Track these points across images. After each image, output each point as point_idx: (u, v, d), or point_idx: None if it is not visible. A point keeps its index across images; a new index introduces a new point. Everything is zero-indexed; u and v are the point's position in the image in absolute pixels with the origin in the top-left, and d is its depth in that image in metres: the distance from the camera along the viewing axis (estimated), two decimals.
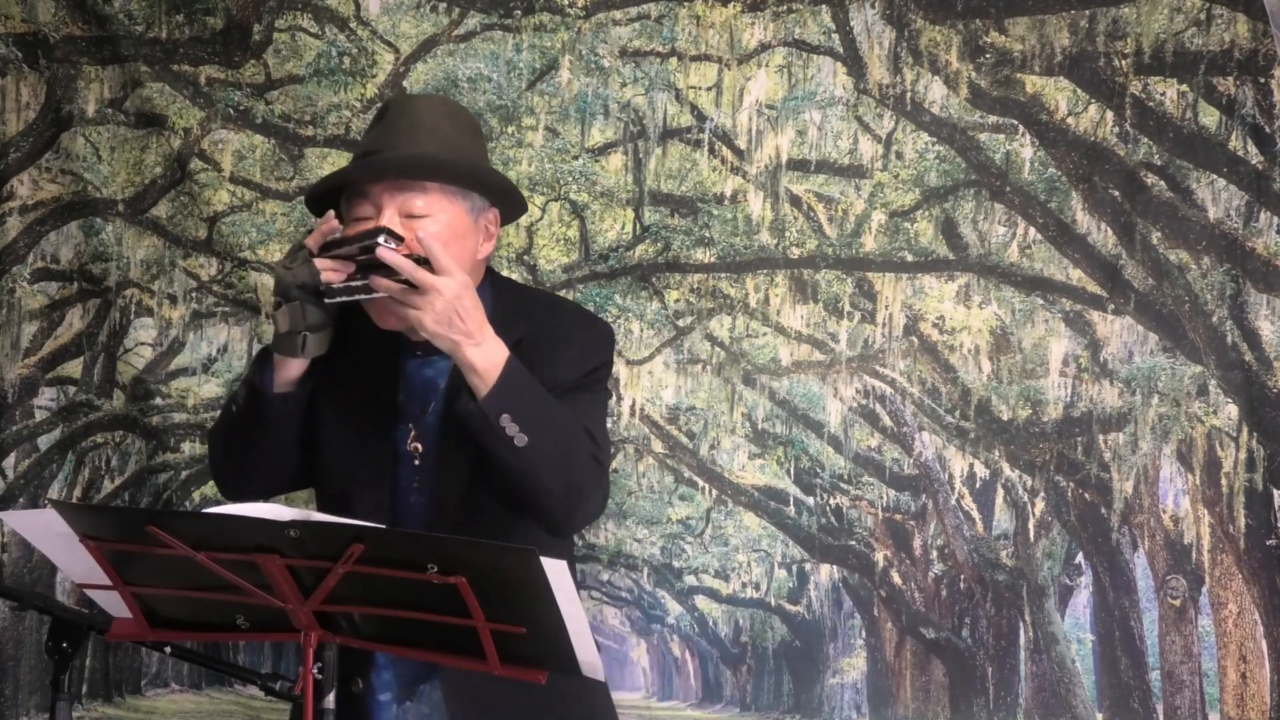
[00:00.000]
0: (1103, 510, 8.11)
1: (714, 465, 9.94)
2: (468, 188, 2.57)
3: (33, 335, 8.06)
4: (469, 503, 2.52)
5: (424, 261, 2.43)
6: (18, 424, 8.18)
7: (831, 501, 9.96)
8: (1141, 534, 8.25)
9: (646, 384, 8.93)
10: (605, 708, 2.65)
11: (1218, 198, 6.98)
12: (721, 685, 13.03)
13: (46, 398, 8.77)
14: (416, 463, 2.58)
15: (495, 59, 7.36)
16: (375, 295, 2.45)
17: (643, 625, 13.09)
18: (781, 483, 10.02)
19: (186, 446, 8.61)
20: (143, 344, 8.79)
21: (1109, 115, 6.84)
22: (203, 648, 2.50)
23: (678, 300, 8.14)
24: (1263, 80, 6.59)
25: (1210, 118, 6.86)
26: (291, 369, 2.56)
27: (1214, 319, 6.84)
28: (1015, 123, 7.03)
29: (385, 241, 2.45)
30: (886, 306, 7.80)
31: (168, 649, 2.40)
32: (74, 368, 8.48)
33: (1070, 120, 6.93)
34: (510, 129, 7.46)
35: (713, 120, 7.46)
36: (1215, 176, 6.86)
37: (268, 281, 7.83)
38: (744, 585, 11.54)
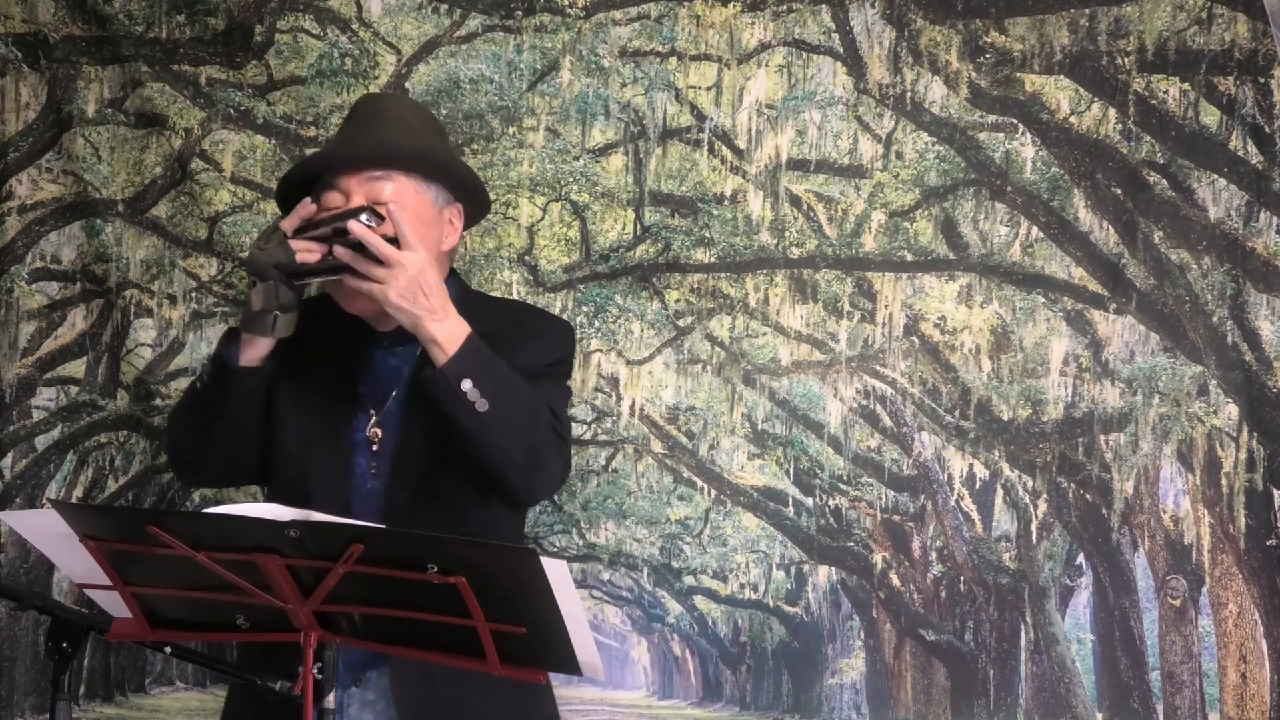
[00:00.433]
0: (1103, 510, 8.11)
1: (713, 465, 9.93)
2: (432, 177, 2.62)
3: (31, 335, 8.06)
4: (426, 485, 2.55)
5: (393, 242, 2.48)
6: (15, 424, 8.18)
7: (830, 502, 9.96)
8: (1142, 534, 8.25)
9: (646, 384, 8.93)
10: (548, 698, 2.67)
11: (1218, 197, 6.98)
12: (722, 684, 13.03)
13: (45, 398, 8.76)
14: (375, 448, 2.61)
15: (496, 60, 7.36)
16: (342, 271, 2.49)
17: (643, 624, 13.09)
18: (781, 483, 10.01)
19: None
20: (143, 344, 8.79)
21: (1111, 114, 6.84)
22: (204, 648, 2.50)
23: (678, 300, 8.14)
24: (1263, 80, 6.59)
25: (1211, 117, 6.86)
26: (258, 348, 2.59)
27: (1214, 319, 6.84)
28: (1015, 122, 7.03)
29: (367, 220, 2.48)
30: (886, 306, 7.80)
31: (168, 649, 2.40)
32: (75, 368, 8.48)
33: (1072, 119, 6.93)
34: (511, 130, 7.46)
35: (713, 120, 7.46)
36: (1216, 176, 6.86)
37: None
38: (742, 586, 11.54)
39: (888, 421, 9.12)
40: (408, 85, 7.29)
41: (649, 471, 10.55)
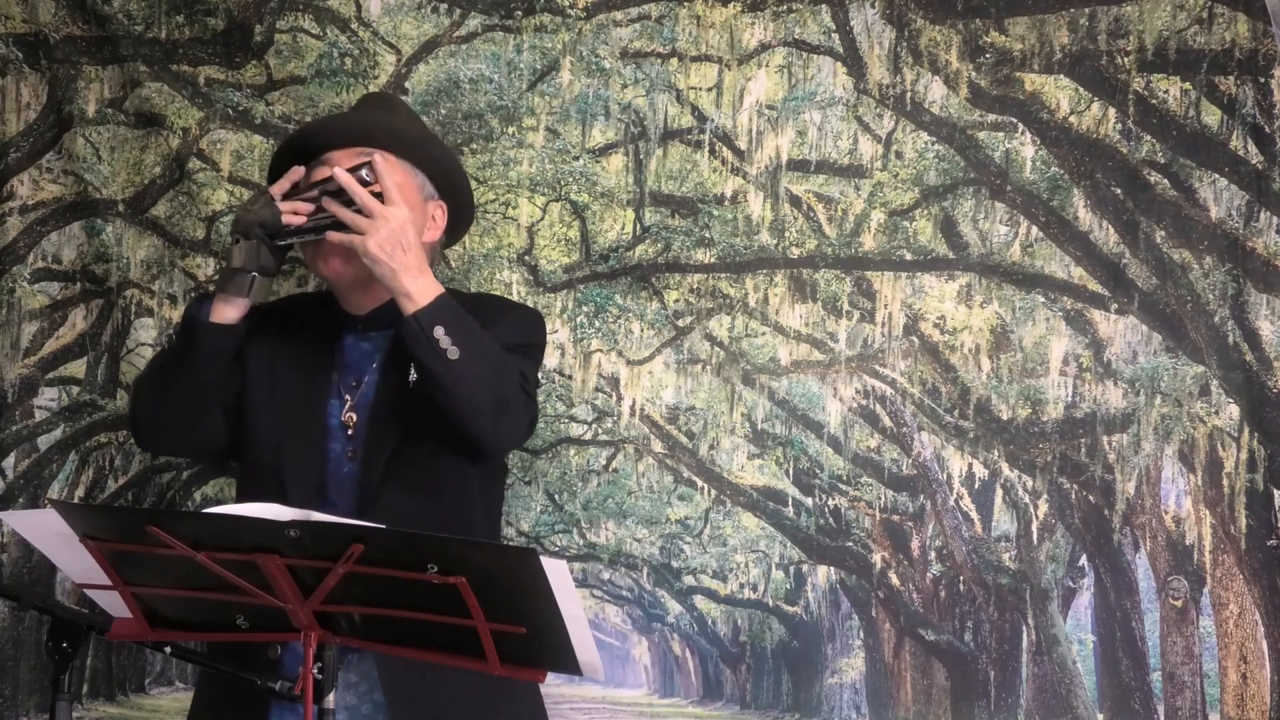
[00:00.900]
0: (1105, 511, 8.11)
1: (713, 465, 9.93)
2: (419, 165, 2.64)
3: (33, 335, 8.06)
4: (397, 457, 2.56)
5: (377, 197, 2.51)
6: (18, 424, 8.18)
7: (830, 502, 9.96)
8: (1143, 535, 8.25)
9: (646, 384, 8.93)
10: (533, 689, 2.68)
11: (1219, 197, 6.98)
12: (722, 684, 13.03)
13: (47, 398, 8.76)
14: (350, 433, 2.62)
15: (496, 60, 7.36)
16: (326, 230, 2.51)
17: (643, 624, 13.09)
18: (780, 483, 10.01)
19: None
20: (144, 344, 8.79)
21: (1111, 113, 6.83)
22: (203, 648, 2.50)
23: (677, 300, 8.14)
24: (1263, 80, 6.59)
25: (1212, 117, 6.86)
26: (230, 311, 2.60)
27: (1215, 319, 6.84)
28: (1015, 121, 7.03)
29: (366, 174, 2.51)
30: (886, 306, 7.80)
31: (168, 649, 2.40)
32: (77, 368, 8.48)
33: (1072, 119, 6.93)
34: (511, 130, 7.46)
35: (713, 121, 7.46)
36: (1217, 176, 6.85)
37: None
38: (742, 585, 11.54)
39: (887, 421, 9.12)
40: (407, 85, 7.29)
41: (649, 471, 10.55)
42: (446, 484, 2.61)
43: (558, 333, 8.18)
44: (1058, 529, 8.77)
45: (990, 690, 9.26)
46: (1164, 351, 7.53)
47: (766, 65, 7.37)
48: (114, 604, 2.34)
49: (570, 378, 8.57)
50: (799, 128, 7.61)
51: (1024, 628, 9.14)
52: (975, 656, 9.35)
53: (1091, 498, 8.22)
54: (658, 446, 9.82)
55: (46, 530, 2.27)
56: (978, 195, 7.45)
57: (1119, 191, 6.86)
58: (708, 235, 7.68)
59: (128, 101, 7.18)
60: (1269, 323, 7.00)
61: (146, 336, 8.61)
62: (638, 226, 7.85)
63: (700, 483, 9.99)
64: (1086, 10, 6.58)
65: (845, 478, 9.72)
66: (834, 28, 7.02)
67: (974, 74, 6.79)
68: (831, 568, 10.51)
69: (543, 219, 8.04)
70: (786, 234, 7.63)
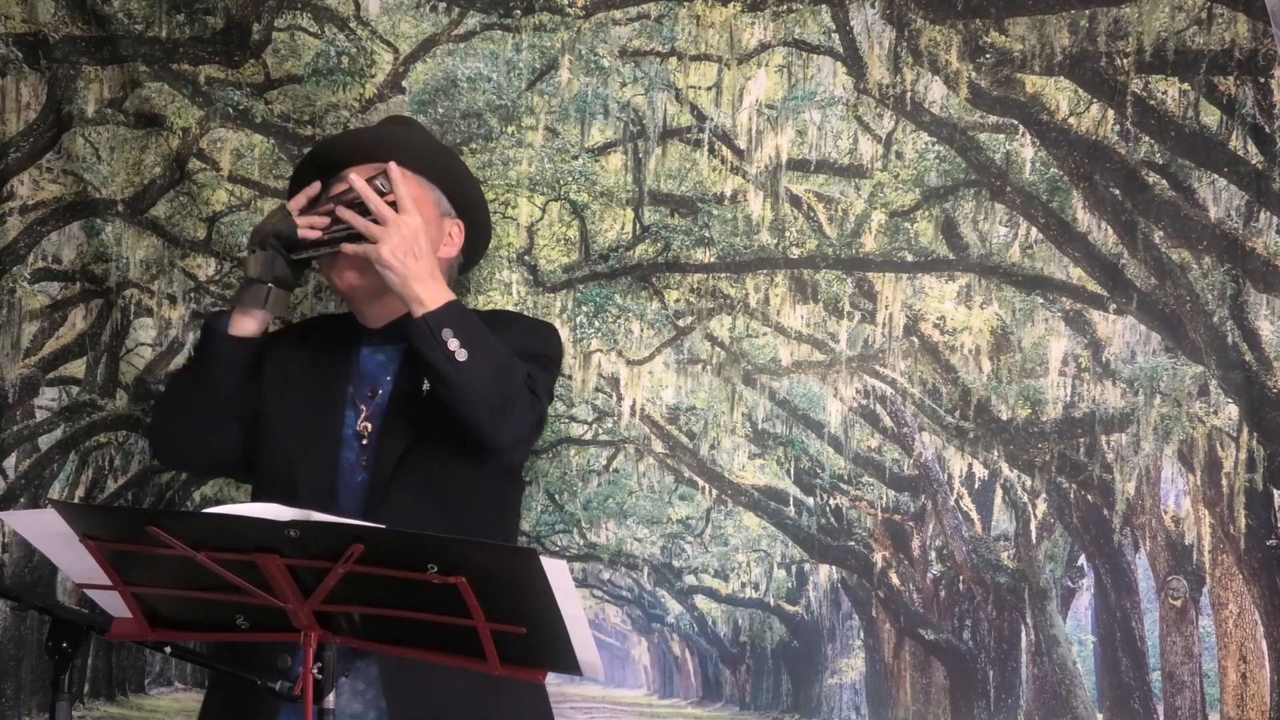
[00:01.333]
0: (1105, 512, 8.11)
1: (714, 465, 9.94)
2: (435, 180, 2.65)
3: (33, 335, 8.06)
4: (405, 462, 2.56)
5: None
6: (18, 424, 8.18)
7: (831, 502, 9.96)
8: (1143, 535, 8.25)
9: (646, 384, 8.94)
10: (539, 697, 2.68)
11: (1218, 197, 6.98)
12: (721, 684, 13.05)
13: (48, 398, 8.77)
14: (364, 442, 2.62)
15: (495, 59, 7.36)
16: (340, 243, 2.51)
17: (643, 624, 13.11)
18: (781, 483, 10.02)
19: None
20: (143, 344, 8.79)
21: (1110, 114, 6.83)
22: (203, 648, 2.50)
23: (678, 300, 8.14)
24: (1263, 80, 6.59)
25: (1211, 117, 6.86)
26: (248, 323, 2.61)
27: (1215, 319, 6.84)
28: (1015, 123, 7.03)
29: (381, 184, 2.51)
30: (886, 306, 7.80)
31: (168, 649, 2.40)
32: (76, 368, 8.48)
33: (1071, 120, 6.93)
34: (510, 129, 7.46)
35: (712, 120, 7.46)
36: (1216, 176, 6.85)
37: None
38: (743, 585, 11.56)
39: (888, 421, 9.12)
40: (405, 84, 7.29)
41: (650, 471, 10.56)
42: (454, 492, 2.61)
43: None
44: (1056, 528, 8.77)
45: (990, 690, 9.26)
46: (1163, 352, 7.53)
47: (766, 65, 7.37)
48: (114, 604, 2.34)
49: (570, 378, 8.56)
50: (799, 127, 7.61)
51: (1023, 627, 9.14)
52: (974, 656, 9.35)
53: (1090, 497, 8.23)
54: (658, 446, 9.82)
55: (47, 530, 2.27)
56: (978, 196, 7.45)
57: (1117, 192, 6.86)
58: (708, 235, 7.68)
59: (127, 101, 7.19)
60: (1269, 323, 7.00)
61: (146, 336, 8.61)
62: (637, 226, 7.85)
63: (701, 482, 9.99)
64: (1086, 11, 6.58)
65: (846, 477, 9.72)
66: (834, 27, 7.02)
67: (974, 74, 6.79)
68: (833, 567, 10.51)
69: (542, 218, 8.04)
70: (787, 234, 7.63)
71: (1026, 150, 7.16)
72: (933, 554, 9.85)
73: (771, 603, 11.51)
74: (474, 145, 7.45)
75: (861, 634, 10.97)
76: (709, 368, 8.89)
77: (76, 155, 7.38)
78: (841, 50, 7.03)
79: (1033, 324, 7.95)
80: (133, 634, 2.33)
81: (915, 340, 8.07)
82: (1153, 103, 6.69)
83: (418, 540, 2.25)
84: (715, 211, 7.64)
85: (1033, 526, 8.78)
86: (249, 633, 2.29)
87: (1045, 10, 6.62)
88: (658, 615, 13.19)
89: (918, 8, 6.80)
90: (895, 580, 9.82)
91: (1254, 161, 6.65)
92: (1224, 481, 7.27)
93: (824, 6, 6.98)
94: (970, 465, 8.83)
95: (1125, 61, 6.59)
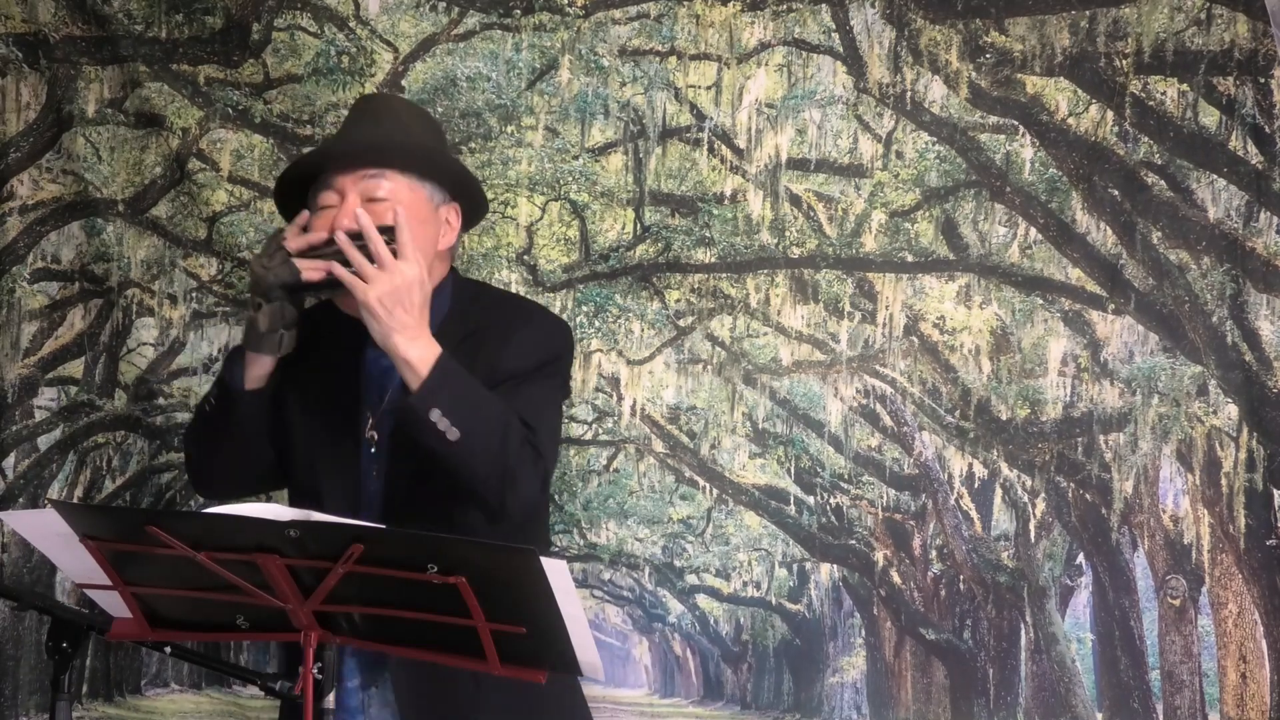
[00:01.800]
0: (1103, 510, 8.11)
1: (715, 465, 9.93)
2: (427, 175, 2.62)
3: (32, 335, 8.06)
4: (418, 488, 2.55)
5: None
6: (18, 424, 8.18)
7: (832, 501, 9.96)
8: (1141, 534, 8.25)
9: (647, 384, 8.94)
10: (564, 695, 2.66)
11: (1218, 198, 6.98)
12: (722, 683, 12.99)
13: (46, 398, 8.77)
14: (373, 450, 2.62)
15: (495, 58, 7.36)
16: (340, 285, 2.50)
17: (644, 624, 13.05)
18: (782, 482, 10.00)
19: None
20: (144, 344, 8.79)
21: (1109, 115, 6.83)
22: (203, 648, 2.50)
23: (678, 300, 8.14)
24: (1263, 80, 6.58)
25: (1210, 118, 6.86)
26: (264, 366, 2.60)
27: (1214, 319, 6.83)
28: (1015, 123, 7.03)
29: (389, 219, 2.50)
30: (887, 307, 7.80)
31: (168, 649, 2.40)
32: (75, 368, 8.48)
33: (1070, 120, 6.93)
34: (510, 128, 7.46)
35: (712, 119, 7.46)
36: (1215, 176, 6.85)
37: None
38: (745, 584, 11.53)
39: (888, 421, 9.12)
40: (404, 84, 7.29)
41: (650, 471, 10.55)
42: (470, 511, 2.59)
43: None
44: (1055, 527, 8.76)
45: (989, 688, 9.25)
46: (1161, 352, 7.53)
47: (766, 64, 7.37)
48: (114, 604, 2.34)
49: (570, 378, 8.60)
50: (799, 126, 7.62)
51: (1022, 625, 9.13)
52: (974, 654, 9.35)
53: (1089, 496, 8.22)
54: (659, 446, 9.83)
55: (46, 530, 2.27)
56: (978, 197, 7.46)
57: (1116, 193, 6.86)
58: (708, 235, 7.68)
59: (128, 101, 7.18)
60: (1269, 323, 7.00)
61: (148, 336, 8.61)
62: (638, 226, 7.85)
63: (702, 482, 9.98)
64: (1087, 12, 6.57)
65: (847, 476, 9.71)
66: (834, 27, 7.02)
67: (974, 74, 6.79)
68: (834, 566, 10.50)
69: (542, 218, 8.04)
70: (787, 233, 7.63)
71: (1026, 151, 7.16)
72: (933, 553, 9.86)
73: (773, 601, 11.50)
74: (473, 145, 7.45)
75: (863, 632, 10.98)
76: (709, 368, 8.90)
77: (77, 155, 7.38)
78: (841, 50, 7.03)
79: (1032, 324, 7.96)
80: (133, 634, 2.32)
81: (915, 340, 8.07)
82: (1152, 103, 6.69)
83: (418, 540, 2.25)
84: (715, 211, 7.64)
85: (1032, 525, 8.78)
86: (249, 633, 2.29)
87: (1045, 11, 6.62)
88: (659, 615, 13.17)
89: (918, 8, 6.80)
90: (896, 579, 9.82)
91: (1254, 161, 6.65)
92: (1223, 481, 7.27)
93: (824, 6, 6.98)
94: (970, 465, 8.84)
95: (1125, 62, 6.59)
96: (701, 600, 12.18)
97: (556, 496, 9.81)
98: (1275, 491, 7.11)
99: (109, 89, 7.14)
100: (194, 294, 7.95)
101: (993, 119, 7.14)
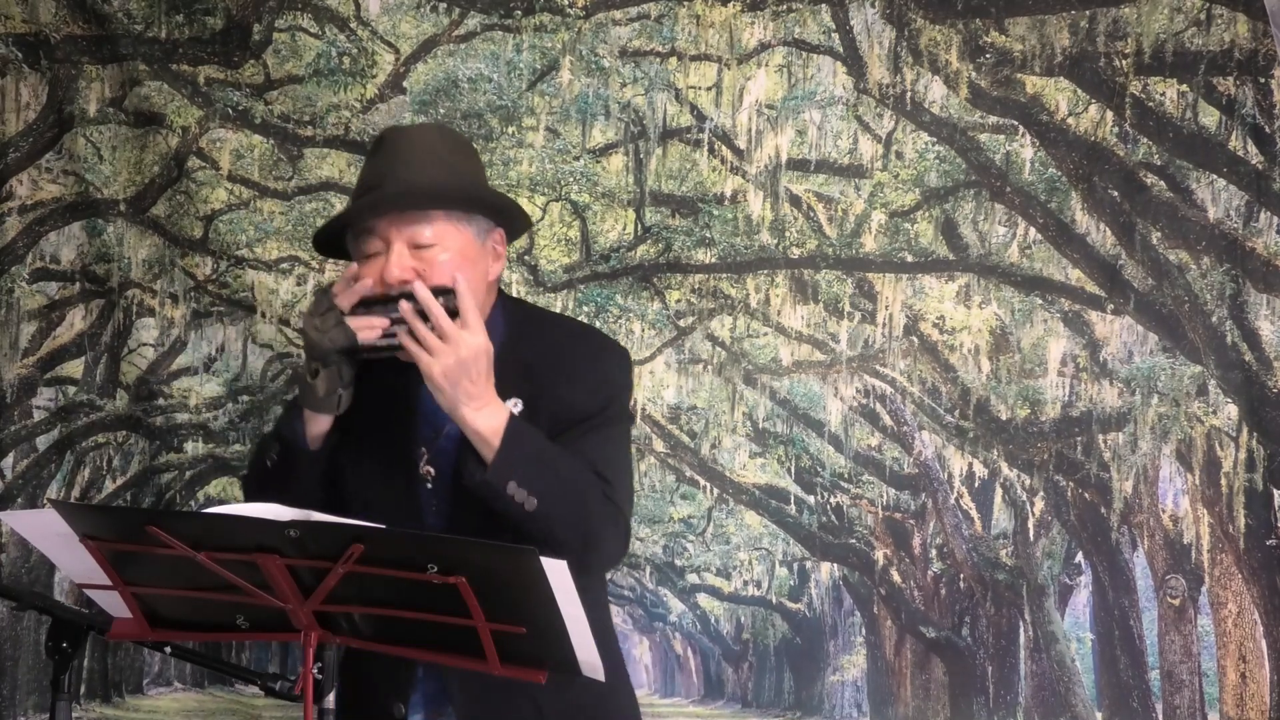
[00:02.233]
0: (1102, 510, 8.12)
1: (715, 464, 9.94)
2: (471, 212, 2.57)
3: (32, 335, 8.07)
4: (480, 524, 2.50)
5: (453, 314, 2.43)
6: (16, 424, 8.18)
7: (832, 500, 9.97)
8: (1141, 534, 8.26)
9: (648, 384, 8.94)
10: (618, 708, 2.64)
11: (1217, 198, 6.98)
12: (723, 682, 13.02)
13: (45, 398, 8.77)
14: (430, 486, 2.58)
15: (495, 59, 7.36)
16: (399, 347, 2.45)
17: (645, 623, 13.08)
18: (782, 481, 10.02)
19: (190, 446, 8.62)
20: (144, 344, 8.80)
21: (1109, 115, 6.84)
22: (203, 647, 2.50)
23: (679, 300, 8.15)
24: (1263, 80, 6.59)
25: (1210, 118, 6.86)
26: (323, 424, 2.57)
27: (1214, 319, 6.84)
28: (1015, 123, 7.04)
29: (449, 292, 2.44)
30: (886, 307, 7.81)
31: (167, 649, 2.40)
32: (74, 368, 8.48)
33: (1070, 120, 6.93)
34: (511, 129, 7.46)
35: (713, 120, 7.46)
36: (1215, 176, 6.86)
37: (264, 280, 7.84)
38: (745, 583, 11.54)
39: (888, 420, 9.13)
40: (405, 84, 7.29)
41: (651, 470, 10.56)
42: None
43: None
44: (1054, 526, 8.77)
45: (989, 687, 9.26)
46: (1160, 352, 7.53)
47: (766, 64, 7.38)
48: (114, 604, 2.34)
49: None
50: (799, 127, 7.62)
51: (1021, 624, 9.14)
52: (973, 652, 9.36)
53: (1088, 495, 8.23)
54: (660, 446, 9.83)
55: (46, 530, 2.27)
56: (978, 197, 7.46)
57: (1116, 193, 6.87)
58: (708, 235, 7.69)
59: (128, 101, 7.19)
60: (1269, 323, 7.01)
61: (148, 336, 8.61)
62: (638, 226, 7.85)
63: (703, 481, 9.99)
64: (1086, 12, 6.58)
65: (847, 476, 9.72)
66: (834, 27, 7.02)
67: (974, 74, 6.79)
68: (834, 565, 10.51)
69: (543, 219, 8.05)
70: (787, 234, 7.64)
71: (1026, 151, 7.16)
72: (933, 552, 9.86)
73: (774, 600, 11.51)
74: (475, 145, 7.46)
75: (863, 630, 10.98)
76: (710, 367, 8.90)
77: (78, 155, 7.38)
78: (841, 50, 7.03)
79: (1031, 324, 7.96)
80: (133, 634, 2.33)
81: (915, 340, 8.07)
82: (1151, 104, 6.69)
83: (418, 540, 2.25)
84: (716, 212, 7.64)
85: (1031, 524, 8.79)
86: (249, 633, 2.29)
87: (1045, 11, 6.62)
88: (660, 614, 13.18)
89: (918, 8, 6.80)
90: (896, 577, 9.82)
91: (1254, 162, 6.65)
92: (1223, 481, 7.27)
93: (824, 6, 6.99)
94: (970, 464, 8.84)
95: (1124, 62, 6.60)
96: (702, 599, 12.21)
97: None
98: (1275, 491, 7.11)
99: (109, 88, 7.15)
100: (193, 293, 7.96)
101: (992, 119, 7.14)
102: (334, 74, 7.16)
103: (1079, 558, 9.12)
